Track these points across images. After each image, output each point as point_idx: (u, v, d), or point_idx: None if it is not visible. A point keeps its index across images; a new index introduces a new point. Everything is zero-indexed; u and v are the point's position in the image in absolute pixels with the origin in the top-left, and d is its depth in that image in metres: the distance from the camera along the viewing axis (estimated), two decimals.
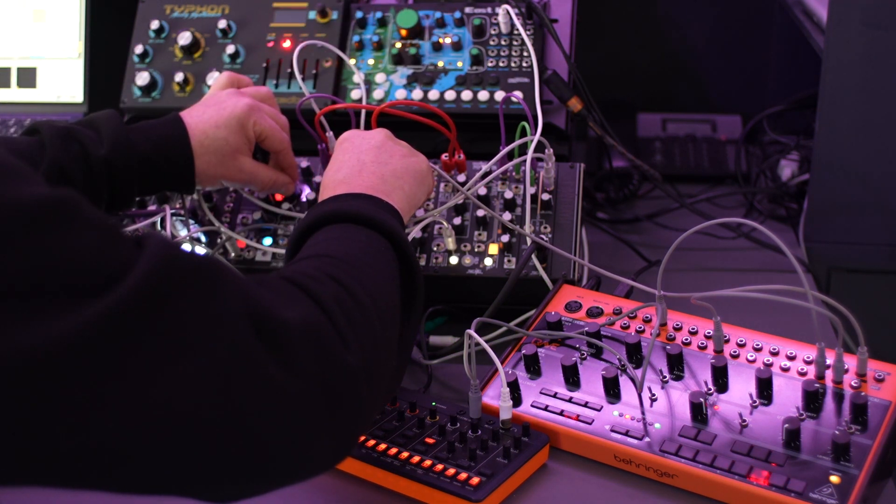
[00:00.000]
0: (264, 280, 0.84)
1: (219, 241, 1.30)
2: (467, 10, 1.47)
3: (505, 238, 1.26)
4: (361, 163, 1.08)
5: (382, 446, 1.01)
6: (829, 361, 1.02)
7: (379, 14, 1.49)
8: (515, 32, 1.44)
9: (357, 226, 0.98)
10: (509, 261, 1.25)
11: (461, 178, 1.29)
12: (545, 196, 1.27)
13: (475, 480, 0.96)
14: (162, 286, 0.69)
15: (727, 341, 1.08)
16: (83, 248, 0.67)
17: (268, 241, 1.32)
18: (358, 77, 1.45)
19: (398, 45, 1.46)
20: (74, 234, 0.66)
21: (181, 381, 0.69)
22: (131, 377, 0.67)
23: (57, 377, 0.64)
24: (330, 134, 1.30)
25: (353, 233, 0.97)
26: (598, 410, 1.05)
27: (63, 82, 1.67)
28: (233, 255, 1.31)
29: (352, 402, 0.81)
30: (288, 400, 0.74)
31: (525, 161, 1.28)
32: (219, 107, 1.19)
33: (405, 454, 1.00)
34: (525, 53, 1.43)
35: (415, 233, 1.26)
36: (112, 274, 0.67)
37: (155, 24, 1.52)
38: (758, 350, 1.07)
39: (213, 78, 1.47)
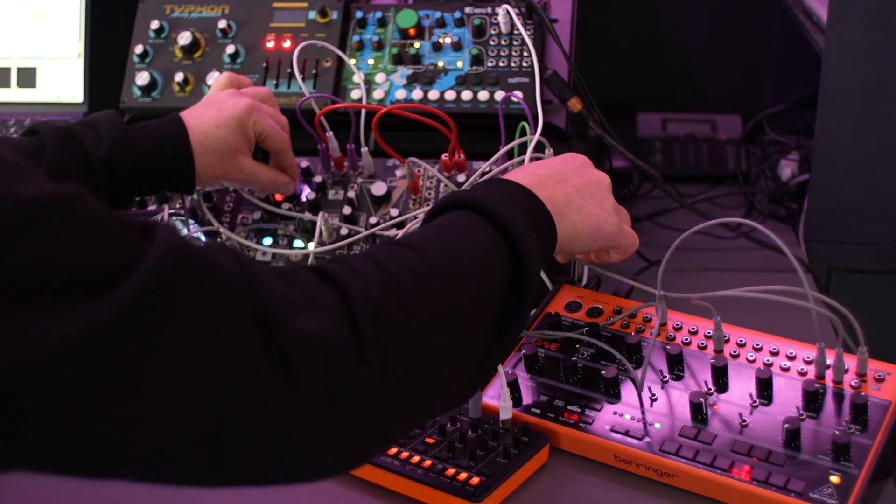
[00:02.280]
0: (292, 273, 0.76)
1: (218, 241, 1.30)
2: (467, 10, 1.47)
3: None
4: (565, 178, 1.01)
5: None
6: (829, 361, 1.02)
7: (379, 14, 1.49)
8: (515, 32, 1.44)
9: (486, 221, 0.88)
10: None
11: (461, 177, 1.28)
12: None
13: (475, 480, 0.96)
14: (168, 285, 0.67)
15: (727, 341, 1.08)
16: (89, 243, 0.65)
17: (268, 241, 1.32)
18: (358, 77, 1.45)
19: (398, 45, 1.46)
20: (80, 230, 0.65)
21: (181, 386, 0.67)
22: (132, 380, 0.66)
23: (57, 379, 0.64)
24: (330, 134, 1.30)
25: (474, 229, 0.87)
26: (598, 410, 1.05)
27: (63, 82, 1.67)
28: None
29: (361, 419, 0.75)
30: (285, 414, 0.71)
31: (525, 161, 1.27)
32: (218, 107, 1.19)
33: (405, 454, 1.00)
34: (525, 53, 1.43)
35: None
36: (118, 270, 0.65)
37: (155, 24, 1.52)
38: (758, 350, 1.07)
39: (213, 78, 1.47)
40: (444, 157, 1.30)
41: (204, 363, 0.68)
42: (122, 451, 0.67)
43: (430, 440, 1.02)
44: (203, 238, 1.30)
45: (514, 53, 1.43)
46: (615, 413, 1.04)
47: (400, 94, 1.44)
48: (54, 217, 0.64)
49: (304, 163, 1.35)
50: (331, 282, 0.76)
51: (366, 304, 0.75)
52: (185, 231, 1.29)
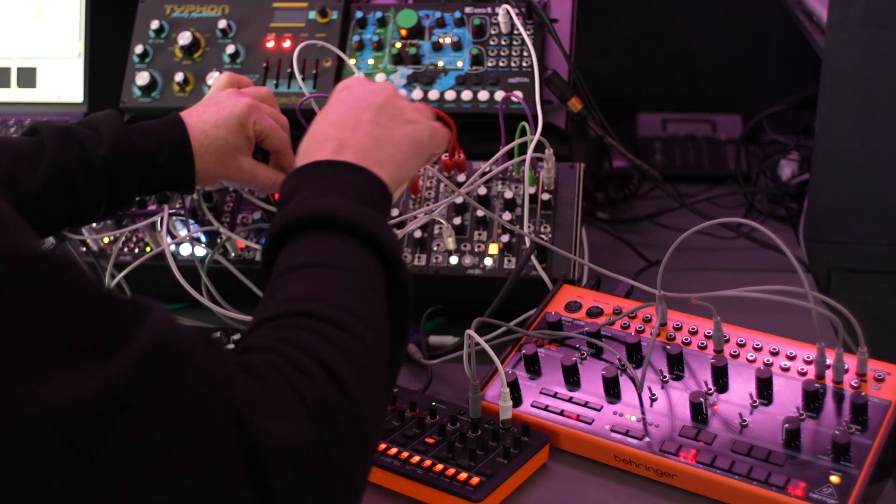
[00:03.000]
0: (256, 368, 0.74)
1: (219, 241, 1.30)
2: (467, 10, 1.47)
3: (505, 238, 1.26)
4: (357, 119, 0.98)
5: (382, 446, 1.01)
6: (829, 361, 1.02)
7: (379, 14, 1.49)
8: (515, 32, 1.44)
9: (346, 239, 0.86)
10: (509, 261, 1.25)
11: (461, 177, 1.29)
12: (545, 196, 1.27)
13: (475, 480, 0.96)
14: (154, 371, 0.64)
15: (727, 341, 1.08)
16: (77, 312, 0.63)
17: None
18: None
19: (398, 45, 1.46)
20: (71, 296, 0.63)
21: (152, 477, 0.64)
22: (102, 464, 0.63)
23: (29, 446, 0.61)
24: None
25: (342, 255, 0.86)
26: (598, 410, 1.05)
27: (63, 82, 1.67)
28: (233, 254, 1.31)
29: None
30: None
31: (525, 161, 1.28)
32: (219, 106, 1.19)
33: (405, 454, 1.00)
34: (525, 53, 1.43)
35: (415, 233, 1.26)
36: (105, 344, 0.63)
37: (155, 24, 1.52)
38: (758, 350, 1.07)
39: (213, 78, 1.47)
40: (444, 157, 1.30)
41: (177, 460, 0.65)
42: None
43: (430, 440, 1.02)
44: (203, 238, 1.30)
45: (514, 53, 1.43)
46: (615, 413, 1.04)
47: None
48: (44, 276, 0.62)
49: None
50: (287, 382, 0.74)
51: (321, 407, 0.73)
52: (184, 232, 1.29)
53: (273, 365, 0.74)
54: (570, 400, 1.06)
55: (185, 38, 1.49)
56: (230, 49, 1.48)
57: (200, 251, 1.30)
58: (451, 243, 1.26)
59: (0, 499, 0.61)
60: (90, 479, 0.63)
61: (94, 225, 1.34)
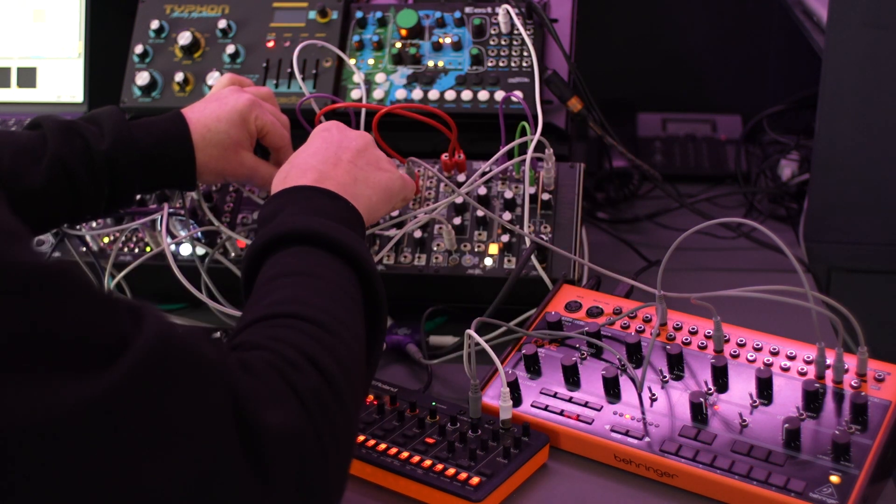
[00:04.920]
0: (250, 364, 0.78)
1: (219, 240, 1.30)
2: (467, 10, 1.47)
3: (505, 238, 1.26)
4: (338, 158, 1.07)
5: (382, 446, 1.01)
6: (829, 361, 1.02)
7: (379, 14, 1.49)
8: (515, 32, 1.44)
9: (323, 253, 0.93)
10: (509, 261, 1.25)
11: (461, 177, 1.29)
12: (545, 196, 1.27)
13: (475, 480, 0.96)
14: (156, 373, 0.67)
15: (727, 341, 1.08)
16: (78, 320, 0.65)
17: None
18: (358, 77, 1.45)
19: (398, 45, 1.46)
20: (71, 305, 0.65)
21: (159, 476, 0.67)
22: (110, 464, 0.65)
23: (36, 451, 0.62)
24: None
25: (320, 265, 0.92)
26: (598, 410, 1.05)
27: (63, 82, 1.67)
28: (233, 254, 1.31)
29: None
30: None
31: (525, 161, 1.28)
32: (220, 101, 1.19)
33: (405, 454, 1.00)
34: (525, 53, 1.43)
35: (415, 233, 1.26)
36: (106, 351, 0.65)
37: (155, 24, 1.52)
38: (758, 350, 1.07)
39: (214, 78, 1.47)
40: (444, 157, 1.30)
41: (182, 458, 0.68)
42: None
43: (430, 440, 1.02)
44: (203, 238, 1.30)
45: (514, 53, 1.43)
46: (615, 413, 1.04)
47: (400, 93, 1.44)
48: (47, 288, 0.64)
49: None
50: (279, 375, 0.78)
51: (311, 398, 0.78)
52: (184, 232, 1.29)
53: (265, 360, 0.79)
54: (570, 400, 1.06)
55: (185, 38, 1.49)
56: (230, 49, 1.48)
57: (200, 251, 1.30)
58: (450, 243, 1.26)
59: (13, 501, 0.62)
60: (100, 480, 0.64)
61: (94, 224, 1.34)
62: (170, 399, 0.68)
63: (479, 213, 1.27)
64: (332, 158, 1.06)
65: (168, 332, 0.69)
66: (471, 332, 1.04)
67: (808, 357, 1.04)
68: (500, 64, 1.43)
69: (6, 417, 0.61)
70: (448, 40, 1.45)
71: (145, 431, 0.66)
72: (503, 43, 1.44)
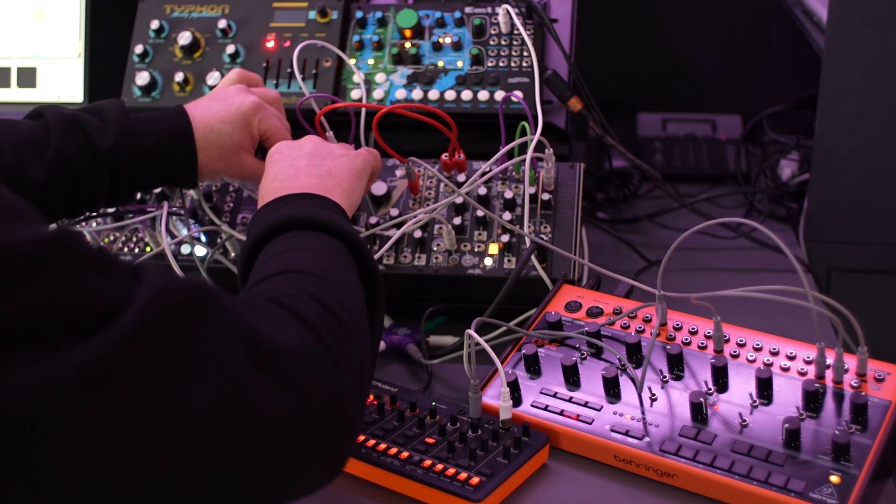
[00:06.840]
0: (253, 303, 0.85)
1: (219, 240, 1.30)
2: (467, 10, 1.47)
3: (505, 238, 1.26)
4: (296, 168, 1.09)
5: (382, 446, 1.01)
6: (829, 361, 1.02)
7: (379, 14, 1.49)
8: (515, 32, 1.44)
9: (313, 232, 0.98)
10: (509, 260, 1.25)
11: (461, 177, 1.29)
12: (545, 196, 1.27)
13: (475, 480, 0.96)
14: (159, 323, 0.69)
15: (727, 341, 1.08)
16: (79, 286, 0.67)
17: None
18: (358, 77, 1.45)
19: (398, 45, 1.46)
20: (69, 273, 0.67)
21: (183, 417, 0.69)
22: (135, 412, 0.67)
23: (59, 415, 0.64)
24: (330, 134, 1.30)
25: (312, 241, 0.97)
26: (598, 410, 1.05)
27: (63, 82, 1.67)
28: (233, 254, 1.31)
29: (347, 425, 0.82)
30: (287, 426, 0.75)
31: (525, 161, 1.28)
32: (225, 102, 1.19)
33: (405, 454, 1.00)
34: (525, 53, 1.43)
35: (415, 233, 1.26)
36: (108, 311, 0.67)
37: (155, 24, 1.52)
38: (758, 350, 1.07)
39: (214, 78, 1.47)
40: (444, 156, 1.30)
41: (202, 391, 0.70)
42: (129, 483, 0.68)
43: (430, 440, 1.02)
44: (203, 238, 1.30)
45: (514, 53, 1.43)
46: (615, 413, 1.04)
47: (400, 93, 1.44)
48: (44, 262, 0.65)
49: None
50: (282, 306, 0.84)
51: (317, 321, 0.84)
52: (184, 231, 1.29)
53: (269, 299, 0.85)
54: (570, 400, 1.06)
55: (185, 38, 1.49)
56: (230, 49, 1.48)
57: (200, 251, 1.30)
58: (450, 243, 1.26)
59: (42, 445, 0.64)
60: (129, 420, 0.67)
61: (94, 224, 1.34)
62: (177, 337, 0.70)
63: (479, 213, 1.27)
64: (291, 172, 1.08)
65: (167, 280, 0.72)
66: (471, 332, 1.04)
67: (808, 357, 1.04)
68: (500, 64, 1.43)
69: (21, 391, 0.63)
70: (448, 40, 1.45)
71: (160, 372, 0.68)
72: (503, 43, 1.44)
